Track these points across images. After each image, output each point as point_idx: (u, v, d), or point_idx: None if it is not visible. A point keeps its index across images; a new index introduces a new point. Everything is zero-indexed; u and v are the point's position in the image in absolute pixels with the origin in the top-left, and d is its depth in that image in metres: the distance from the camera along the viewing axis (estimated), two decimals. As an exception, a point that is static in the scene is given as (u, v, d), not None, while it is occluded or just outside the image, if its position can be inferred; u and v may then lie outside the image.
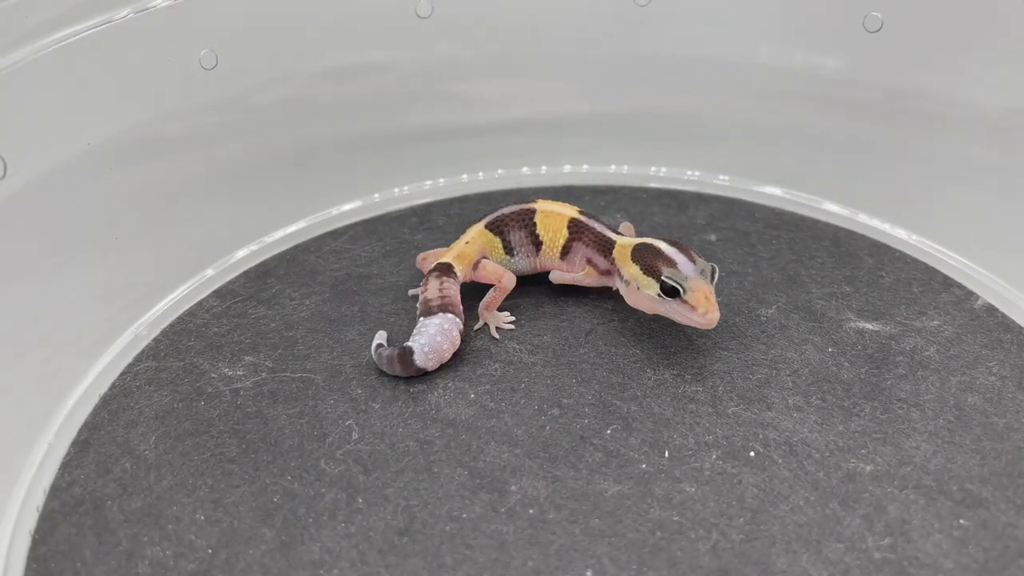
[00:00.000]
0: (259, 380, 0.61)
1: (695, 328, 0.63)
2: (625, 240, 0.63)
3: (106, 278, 0.65)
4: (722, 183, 0.79)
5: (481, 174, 0.80)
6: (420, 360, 0.59)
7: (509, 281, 0.64)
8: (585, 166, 0.81)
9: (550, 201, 0.66)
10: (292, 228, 0.75)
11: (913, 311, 0.65)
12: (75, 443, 0.57)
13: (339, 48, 0.72)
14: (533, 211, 0.65)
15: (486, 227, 0.66)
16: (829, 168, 0.75)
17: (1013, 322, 0.64)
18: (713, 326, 0.56)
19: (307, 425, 0.57)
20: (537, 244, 0.65)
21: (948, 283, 0.67)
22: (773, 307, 0.65)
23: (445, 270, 0.63)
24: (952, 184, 0.70)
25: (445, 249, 0.66)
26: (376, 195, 0.78)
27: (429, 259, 0.67)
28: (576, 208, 0.66)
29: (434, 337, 0.59)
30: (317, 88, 0.73)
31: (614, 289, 0.64)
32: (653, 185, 0.79)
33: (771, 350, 0.62)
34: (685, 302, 0.57)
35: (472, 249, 0.65)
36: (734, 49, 0.75)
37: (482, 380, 0.60)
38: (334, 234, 0.74)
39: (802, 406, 0.57)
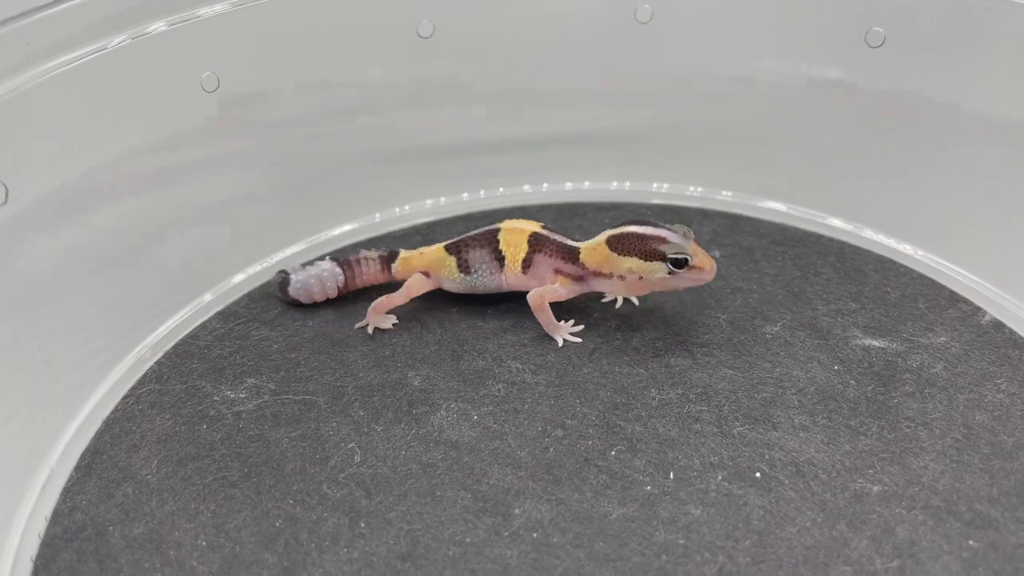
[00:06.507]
0: (261, 403, 0.60)
1: (699, 346, 0.63)
2: (588, 243, 0.63)
3: (109, 301, 0.65)
4: (725, 199, 0.78)
5: (483, 192, 0.80)
6: (292, 291, 0.67)
7: (399, 298, 0.66)
8: (587, 183, 0.81)
9: (517, 220, 0.67)
10: (295, 248, 0.74)
11: (920, 327, 0.64)
12: (77, 468, 0.57)
13: (341, 68, 0.72)
14: (498, 230, 0.66)
15: (444, 247, 0.67)
16: (833, 183, 0.75)
17: (1021, 338, 0.63)
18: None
19: (309, 448, 0.57)
20: (501, 260, 0.65)
21: (955, 299, 0.67)
22: (778, 324, 0.65)
23: (388, 257, 0.68)
24: (958, 198, 0.70)
25: (427, 248, 0.68)
26: (377, 215, 0.78)
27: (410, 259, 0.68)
28: (539, 223, 0.66)
29: (310, 277, 0.66)
30: (318, 108, 0.72)
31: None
32: (656, 202, 0.79)
33: (776, 368, 0.61)
34: (693, 267, 0.60)
35: (420, 260, 0.67)
36: (736, 65, 0.74)
37: (485, 401, 0.60)
38: (338, 253, 0.74)
39: (808, 425, 0.57)
